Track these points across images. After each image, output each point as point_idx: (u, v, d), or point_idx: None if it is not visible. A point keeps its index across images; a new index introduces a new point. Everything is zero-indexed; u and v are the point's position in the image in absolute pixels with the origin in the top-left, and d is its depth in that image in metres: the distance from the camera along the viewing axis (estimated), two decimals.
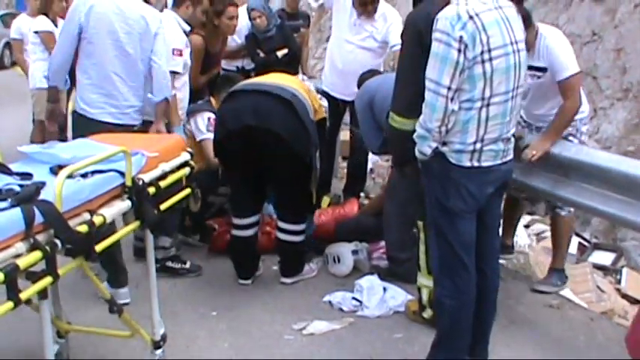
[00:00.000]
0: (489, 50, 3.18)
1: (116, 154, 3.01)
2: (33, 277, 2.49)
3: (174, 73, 4.87)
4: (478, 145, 3.28)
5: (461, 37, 3.14)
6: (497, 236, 3.92)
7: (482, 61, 3.18)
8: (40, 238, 2.50)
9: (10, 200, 2.51)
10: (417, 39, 3.56)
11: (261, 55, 6.60)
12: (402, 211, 4.63)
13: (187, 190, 3.70)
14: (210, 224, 5.52)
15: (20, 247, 2.41)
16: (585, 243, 6.62)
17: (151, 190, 3.22)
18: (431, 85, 3.23)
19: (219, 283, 4.87)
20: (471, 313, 3.52)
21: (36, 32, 7.32)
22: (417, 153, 3.42)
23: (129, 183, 3.06)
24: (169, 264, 4.93)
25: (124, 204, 3.06)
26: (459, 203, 3.36)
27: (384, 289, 4.59)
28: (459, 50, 3.14)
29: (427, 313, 4.22)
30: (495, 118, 3.28)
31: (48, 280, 2.53)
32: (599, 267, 6.20)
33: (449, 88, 3.18)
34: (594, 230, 6.86)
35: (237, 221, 4.84)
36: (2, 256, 2.33)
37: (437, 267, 3.55)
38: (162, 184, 3.35)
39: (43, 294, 2.60)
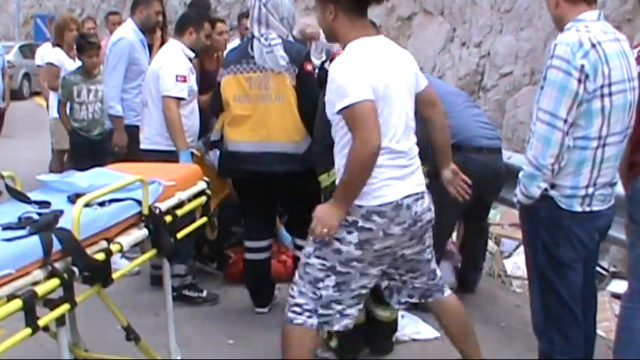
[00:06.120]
0: (610, 85, 2.91)
1: (133, 182, 3.05)
2: (51, 304, 2.52)
3: (178, 99, 4.93)
4: (590, 190, 3.03)
5: (582, 65, 2.86)
6: (596, 286, 3.67)
7: (602, 96, 2.91)
8: (58, 265, 2.53)
9: (28, 228, 2.56)
10: None
11: None
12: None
13: (204, 219, 3.73)
14: (227, 253, 5.54)
15: (38, 274, 2.45)
16: (603, 272, 6.56)
17: (168, 218, 3.26)
18: (545, 117, 2.94)
19: (236, 312, 4.87)
20: None
21: (47, 64, 7.48)
22: (520, 196, 3.13)
23: (146, 211, 3.10)
24: (186, 292, 4.94)
25: (141, 232, 3.10)
26: (569, 252, 3.10)
27: (401, 316, 4.56)
28: (579, 80, 2.86)
29: (334, 342, 4.02)
30: (609, 160, 3.03)
31: (65, 307, 2.55)
32: (617, 296, 6.13)
33: (565, 121, 2.90)
34: (612, 259, 6.77)
35: (249, 244, 4.85)
36: (21, 283, 2.36)
37: (542, 319, 3.25)
38: (179, 212, 3.38)
39: (60, 321, 2.64)
